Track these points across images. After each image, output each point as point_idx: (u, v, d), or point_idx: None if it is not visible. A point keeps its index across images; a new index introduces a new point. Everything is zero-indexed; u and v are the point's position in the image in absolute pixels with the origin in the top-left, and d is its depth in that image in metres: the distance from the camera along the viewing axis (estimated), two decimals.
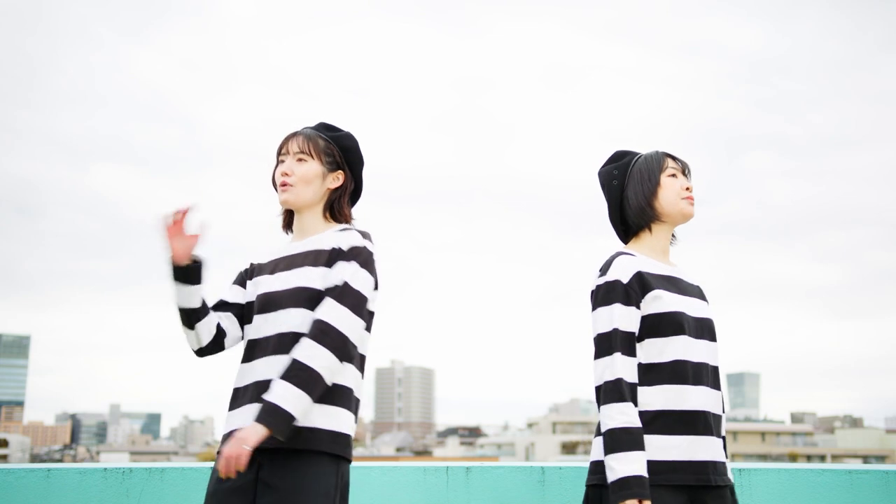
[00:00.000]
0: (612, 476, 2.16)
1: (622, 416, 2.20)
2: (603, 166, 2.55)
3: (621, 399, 2.22)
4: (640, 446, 2.18)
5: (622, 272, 2.33)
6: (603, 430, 2.24)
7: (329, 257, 2.33)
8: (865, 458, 72.45)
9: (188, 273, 2.37)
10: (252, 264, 2.51)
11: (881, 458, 73.94)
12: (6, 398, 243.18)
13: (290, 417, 2.11)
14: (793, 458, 68.58)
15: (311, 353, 2.16)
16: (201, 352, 2.47)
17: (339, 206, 2.47)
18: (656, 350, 2.30)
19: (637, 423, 2.20)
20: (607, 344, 2.27)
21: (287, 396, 2.10)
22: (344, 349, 2.21)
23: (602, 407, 2.24)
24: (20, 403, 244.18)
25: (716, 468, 2.29)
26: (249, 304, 2.44)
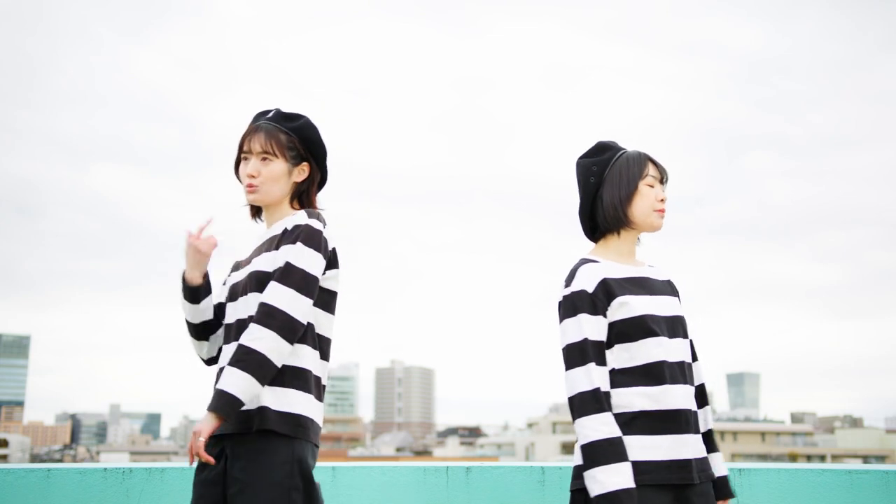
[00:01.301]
0: (598, 489, 2.14)
1: (604, 426, 2.19)
2: (582, 157, 2.49)
3: (600, 409, 2.21)
4: (624, 457, 2.17)
5: (587, 281, 2.32)
6: (582, 442, 2.21)
7: (279, 240, 2.35)
8: (865, 458, 72.43)
9: (199, 291, 2.43)
10: (235, 262, 2.56)
11: (881, 458, 73.93)
12: (6, 398, 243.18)
13: (236, 401, 2.11)
14: (793, 458, 68.57)
15: (255, 336, 2.16)
16: (210, 361, 2.50)
17: (307, 198, 2.49)
18: (629, 354, 2.29)
19: (618, 433, 2.19)
20: (579, 354, 2.26)
21: (232, 381, 2.12)
22: (290, 330, 2.19)
23: (579, 419, 2.22)
24: (20, 403, 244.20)
25: (699, 465, 2.29)
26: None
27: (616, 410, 2.26)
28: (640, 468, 2.20)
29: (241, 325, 2.30)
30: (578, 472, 2.29)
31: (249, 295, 2.31)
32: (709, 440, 2.44)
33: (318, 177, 2.51)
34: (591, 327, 2.28)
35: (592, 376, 2.23)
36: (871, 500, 3.19)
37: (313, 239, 2.29)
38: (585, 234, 2.51)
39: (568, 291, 2.34)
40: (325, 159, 2.51)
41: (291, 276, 2.23)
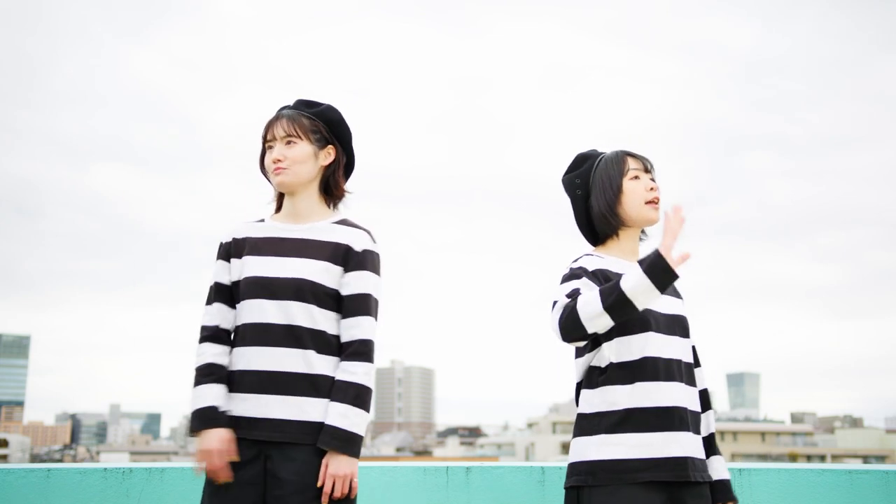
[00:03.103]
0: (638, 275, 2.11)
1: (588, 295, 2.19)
2: (565, 174, 2.52)
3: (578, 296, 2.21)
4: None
5: (588, 264, 2.36)
6: (598, 308, 2.14)
7: (335, 252, 2.34)
8: (865, 458, 72.38)
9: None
10: (235, 239, 2.43)
11: (881, 458, 73.88)
12: (6, 398, 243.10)
13: (361, 440, 2.27)
14: (793, 458, 68.51)
15: (363, 371, 2.29)
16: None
17: (334, 182, 2.46)
18: (625, 348, 2.29)
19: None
20: (561, 300, 2.25)
21: (357, 422, 2.25)
22: (374, 356, 2.34)
23: (572, 315, 2.17)
24: (20, 403, 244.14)
25: (694, 465, 2.28)
26: (236, 283, 2.38)
27: (608, 409, 2.27)
28: (632, 466, 2.20)
29: (290, 331, 2.27)
30: (571, 470, 2.30)
31: (293, 302, 2.28)
32: (710, 444, 2.43)
33: (345, 160, 2.50)
34: (586, 286, 2.29)
35: (575, 292, 2.24)
36: (871, 500, 3.19)
37: (379, 267, 2.41)
38: (589, 242, 2.53)
39: (567, 269, 2.37)
40: (351, 142, 2.50)
41: (373, 309, 2.36)
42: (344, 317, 2.34)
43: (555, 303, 2.27)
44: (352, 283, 2.33)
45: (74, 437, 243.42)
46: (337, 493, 2.18)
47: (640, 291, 2.12)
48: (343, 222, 2.42)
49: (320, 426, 2.23)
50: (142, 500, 2.84)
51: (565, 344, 2.26)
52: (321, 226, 2.40)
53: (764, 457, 70.41)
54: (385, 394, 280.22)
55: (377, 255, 2.40)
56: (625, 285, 2.12)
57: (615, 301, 2.13)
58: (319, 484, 2.18)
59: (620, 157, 2.44)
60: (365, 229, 2.42)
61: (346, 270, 2.34)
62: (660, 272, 2.10)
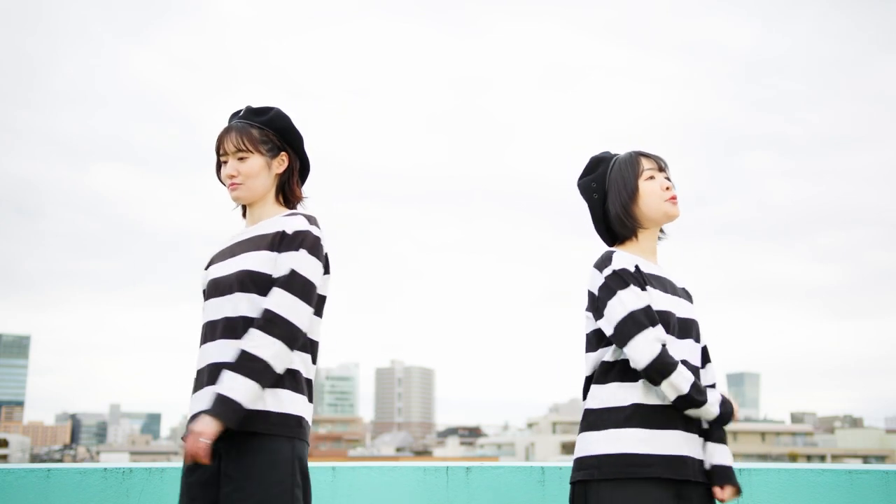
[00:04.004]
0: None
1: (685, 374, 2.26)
2: (581, 178, 2.55)
3: (676, 365, 2.25)
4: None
5: (626, 262, 2.35)
6: (683, 391, 2.24)
7: (272, 240, 2.35)
8: (865, 458, 72.40)
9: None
10: (212, 256, 2.53)
11: (881, 458, 73.90)
12: (6, 398, 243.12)
13: (240, 408, 2.15)
14: (793, 458, 68.54)
15: (259, 343, 2.20)
16: None
17: (289, 188, 2.49)
18: None
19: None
20: (645, 317, 2.26)
21: (236, 387, 2.16)
22: (292, 338, 2.24)
23: (668, 379, 2.23)
24: (20, 403, 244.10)
25: (701, 464, 2.31)
26: (205, 291, 2.45)
27: (616, 404, 2.27)
28: (640, 461, 2.21)
29: (228, 323, 2.30)
30: (578, 465, 2.30)
31: (238, 294, 2.31)
32: (712, 433, 2.44)
33: (298, 165, 2.52)
34: (642, 297, 2.29)
35: (662, 338, 2.26)
36: (871, 500, 3.19)
37: (315, 247, 2.33)
38: (606, 244, 2.54)
39: (610, 270, 2.34)
40: (303, 146, 2.52)
41: (295, 284, 2.27)
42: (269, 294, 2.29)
43: (631, 316, 2.27)
44: (280, 263, 2.31)
45: (74, 437, 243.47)
46: (190, 452, 2.12)
47: (705, 416, 2.30)
48: (291, 214, 2.42)
49: (258, 414, 2.20)
50: (142, 500, 2.84)
51: (640, 369, 2.26)
52: (271, 221, 2.43)
53: (764, 457, 70.43)
54: (385, 394, 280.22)
55: (312, 235, 2.34)
56: (709, 409, 2.28)
57: (689, 407, 2.27)
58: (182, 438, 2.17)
59: (634, 159, 2.46)
60: (304, 215, 2.41)
61: (278, 252, 2.33)
62: (721, 422, 2.33)
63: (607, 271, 2.34)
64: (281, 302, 2.24)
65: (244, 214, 2.55)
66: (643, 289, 2.32)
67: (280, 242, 2.34)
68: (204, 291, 2.45)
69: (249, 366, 2.18)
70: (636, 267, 2.35)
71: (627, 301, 2.28)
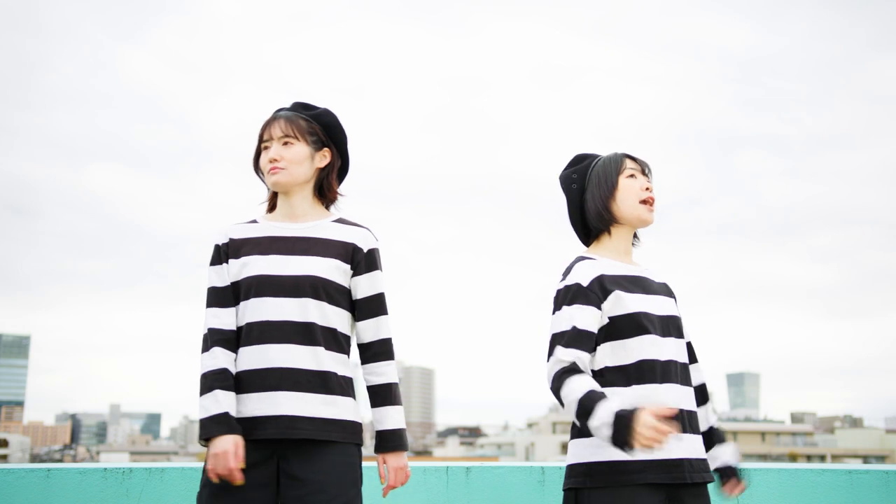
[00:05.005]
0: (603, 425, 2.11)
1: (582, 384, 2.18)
2: (563, 171, 2.55)
3: (574, 372, 2.21)
4: (602, 398, 2.14)
5: (582, 276, 2.33)
6: (569, 400, 2.17)
7: (344, 251, 2.36)
8: (865, 458, 72.39)
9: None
10: (232, 239, 2.40)
11: (881, 458, 73.90)
12: (6, 398, 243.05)
13: (405, 430, 2.42)
14: (793, 458, 68.51)
15: (391, 370, 2.42)
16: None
17: (328, 184, 2.47)
18: (623, 352, 2.29)
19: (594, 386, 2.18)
20: (558, 339, 2.27)
21: (399, 418, 2.40)
22: (394, 352, 2.47)
23: (563, 388, 2.19)
24: (20, 403, 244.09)
25: (692, 465, 2.27)
26: (235, 283, 2.34)
27: None
28: (629, 468, 2.19)
29: (300, 328, 2.25)
30: (570, 472, 2.30)
31: (309, 300, 2.28)
32: (713, 436, 2.45)
33: (339, 163, 2.51)
34: (582, 316, 2.28)
35: (569, 352, 2.24)
36: (871, 500, 3.19)
37: (382, 264, 2.48)
38: (580, 240, 2.54)
39: (562, 285, 2.35)
40: (347, 146, 2.52)
41: (386, 306, 2.44)
42: (363, 318, 2.39)
43: (553, 337, 2.28)
44: (366, 283, 2.38)
45: (74, 437, 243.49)
46: (398, 484, 2.36)
47: (596, 434, 2.13)
48: (342, 221, 2.45)
49: (334, 423, 2.24)
50: (142, 500, 2.84)
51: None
52: (323, 224, 2.42)
53: (764, 457, 70.41)
54: None
55: (379, 251, 2.46)
56: (591, 422, 2.11)
57: (578, 419, 2.18)
58: (383, 480, 2.36)
59: (619, 158, 2.47)
60: (366, 227, 2.45)
61: (357, 270, 2.37)
62: (619, 444, 2.07)
63: (563, 283, 2.35)
64: (389, 328, 2.43)
65: (270, 208, 2.49)
66: (599, 304, 2.30)
67: (355, 258, 2.37)
68: (240, 284, 2.33)
69: (398, 395, 2.43)
70: (596, 279, 2.32)
71: (562, 318, 2.29)
